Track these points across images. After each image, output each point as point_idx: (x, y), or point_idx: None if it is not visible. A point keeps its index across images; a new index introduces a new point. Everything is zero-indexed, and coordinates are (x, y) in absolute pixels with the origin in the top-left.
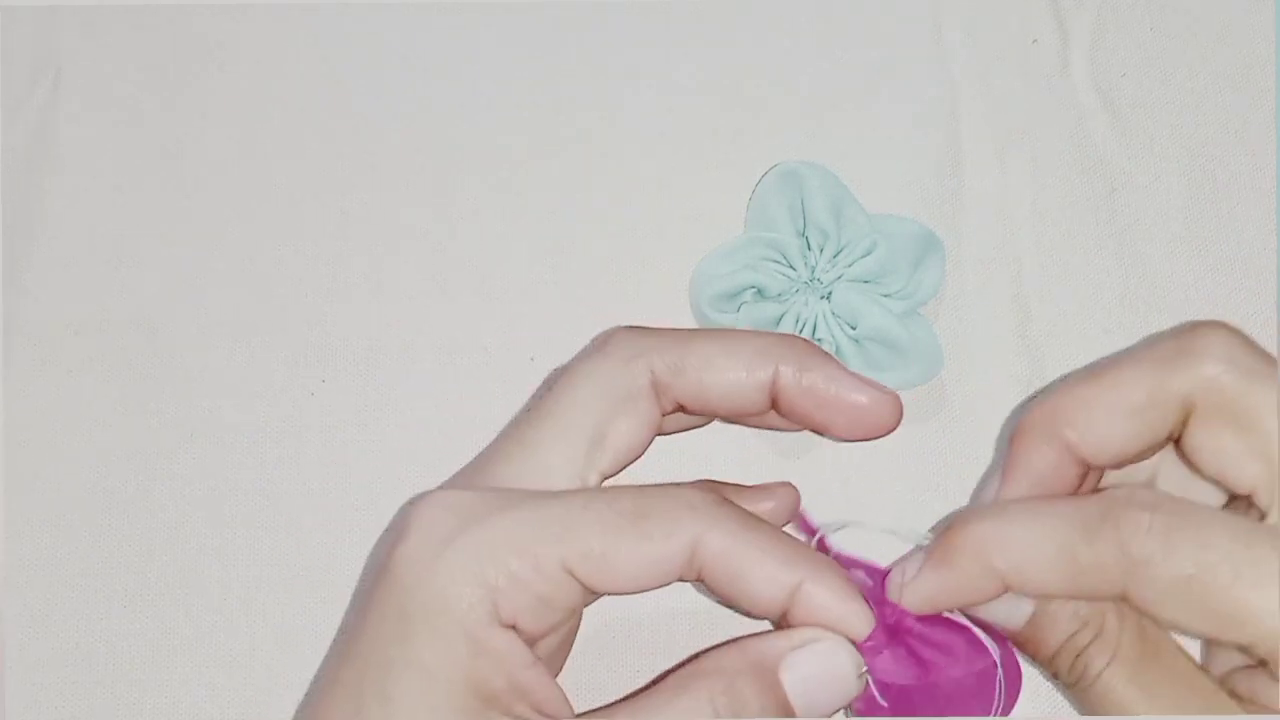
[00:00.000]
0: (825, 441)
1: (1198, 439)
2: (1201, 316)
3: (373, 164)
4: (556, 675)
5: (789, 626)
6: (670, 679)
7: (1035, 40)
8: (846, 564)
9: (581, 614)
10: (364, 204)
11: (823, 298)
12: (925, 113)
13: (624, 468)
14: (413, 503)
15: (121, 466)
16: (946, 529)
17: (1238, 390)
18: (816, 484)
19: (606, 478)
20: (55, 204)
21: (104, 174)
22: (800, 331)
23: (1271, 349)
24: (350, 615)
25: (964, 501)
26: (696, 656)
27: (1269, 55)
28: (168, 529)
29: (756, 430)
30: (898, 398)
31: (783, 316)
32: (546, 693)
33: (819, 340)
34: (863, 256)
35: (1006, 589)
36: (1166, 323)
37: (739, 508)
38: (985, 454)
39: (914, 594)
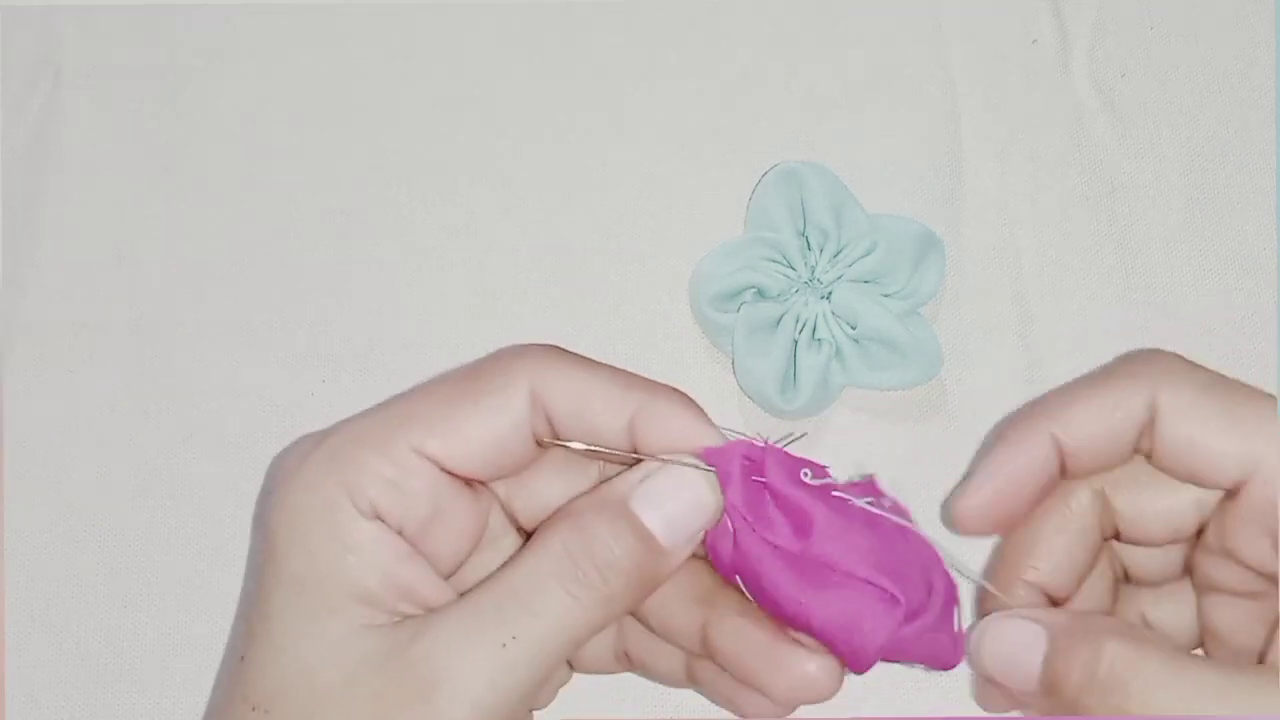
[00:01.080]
0: (823, 441)
1: (1168, 437)
2: (1201, 316)
3: (372, 164)
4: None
5: (637, 442)
6: (533, 539)
7: (1035, 40)
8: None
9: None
10: (364, 204)
11: (823, 298)
12: (925, 113)
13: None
14: (278, 456)
15: (121, 466)
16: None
17: (1201, 387)
18: None
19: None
20: (55, 204)
21: (104, 174)
22: (800, 331)
23: (1272, 349)
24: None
25: None
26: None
27: (1269, 55)
28: (168, 529)
29: (756, 429)
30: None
31: (783, 316)
32: (430, 587)
33: (819, 340)
34: (863, 256)
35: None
36: (1167, 322)
37: (576, 354)
38: None
39: (983, 476)
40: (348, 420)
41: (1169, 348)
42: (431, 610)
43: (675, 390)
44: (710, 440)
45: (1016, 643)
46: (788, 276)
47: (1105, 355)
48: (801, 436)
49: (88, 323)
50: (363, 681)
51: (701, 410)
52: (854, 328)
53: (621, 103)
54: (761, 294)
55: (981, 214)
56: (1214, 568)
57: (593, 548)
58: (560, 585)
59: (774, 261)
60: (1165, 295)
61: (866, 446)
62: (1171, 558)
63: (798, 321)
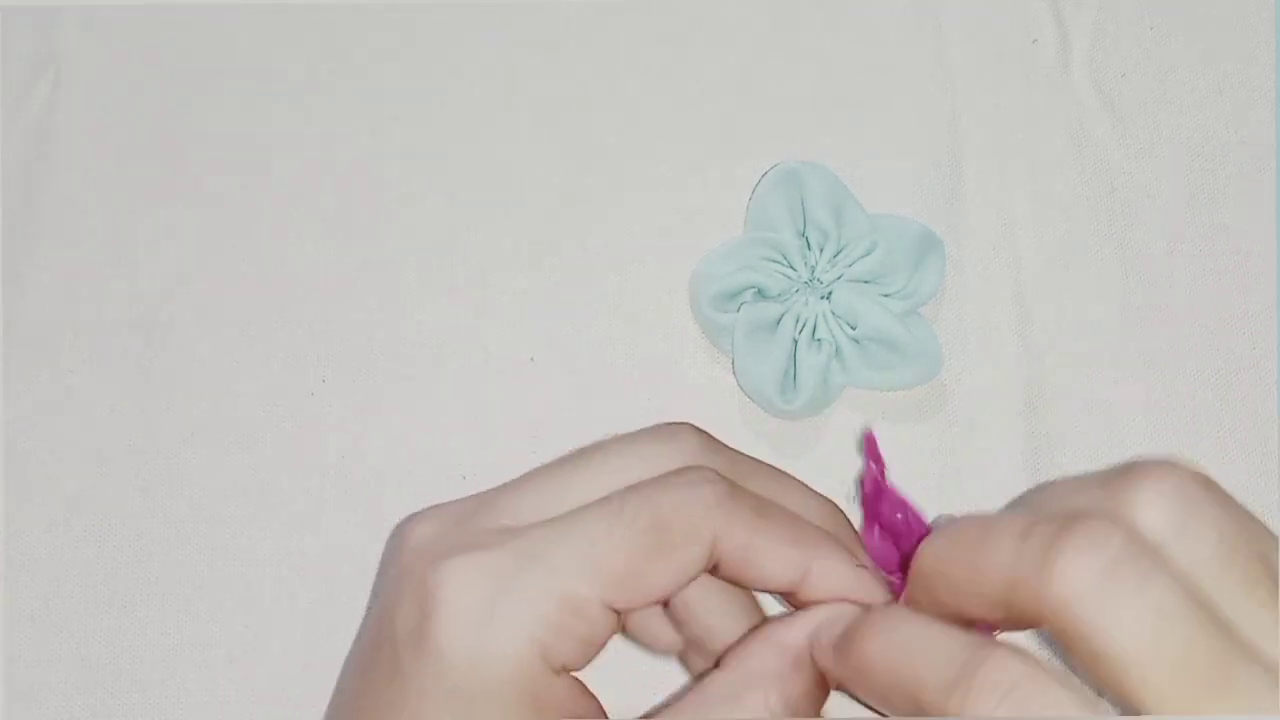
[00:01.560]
0: (825, 440)
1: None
2: (1201, 316)
3: (373, 164)
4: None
5: (800, 602)
6: (715, 686)
7: (1035, 40)
8: (897, 505)
9: None
10: (364, 204)
11: (823, 298)
12: (925, 113)
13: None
14: (435, 568)
15: (121, 466)
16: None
17: (1086, 623)
18: (816, 483)
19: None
20: (55, 204)
21: (104, 174)
22: (800, 331)
23: (1272, 349)
24: (362, 681)
25: (963, 501)
26: (726, 656)
27: (1269, 55)
28: (168, 529)
29: (755, 429)
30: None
31: (783, 316)
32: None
33: (819, 340)
34: (863, 256)
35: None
36: (1167, 322)
37: (747, 493)
38: (985, 454)
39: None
40: (521, 549)
41: (1169, 348)
42: None
43: (839, 546)
44: (877, 596)
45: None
46: (788, 276)
47: (1105, 355)
48: None
49: (88, 323)
50: None
51: (864, 565)
52: (854, 328)
53: (621, 103)
54: (761, 294)
55: (981, 214)
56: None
57: (796, 709)
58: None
59: (774, 261)
60: (1165, 295)
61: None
62: None
63: (798, 321)
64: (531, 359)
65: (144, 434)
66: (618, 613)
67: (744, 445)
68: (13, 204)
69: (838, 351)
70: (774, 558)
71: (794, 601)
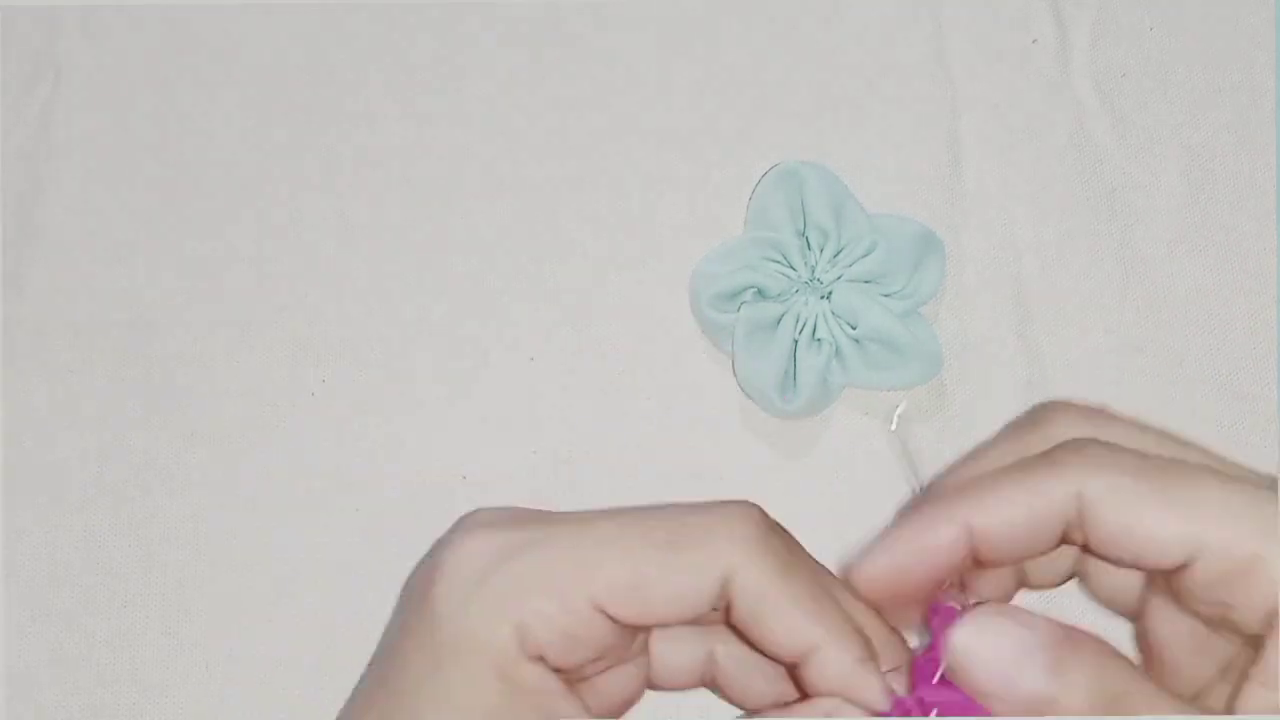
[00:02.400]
0: (825, 441)
1: (1102, 527)
2: (1201, 316)
3: (372, 164)
4: (625, 710)
5: (799, 679)
6: None
7: (1035, 40)
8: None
9: (647, 646)
10: (363, 204)
11: (823, 298)
12: (925, 113)
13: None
14: (454, 530)
15: (121, 466)
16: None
17: (1130, 472)
18: (816, 483)
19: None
20: (55, 204)
21: (104, 174)
22: (800, 331)
23: (1272, 349)
24: (389, 636)
25: None
26: None
27: (1269, 55)
28: (168, 529)
29: (755, 429)
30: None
31: (783, 316)
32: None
33: (819, 340)
34: (863, 256)
35: (973, 550)
36: (1167, 322)
37: (787, 539)
38: None
39: (883, 553)
40: (532, 534)
41: (1169, 347)
42: None
43: (853, 637)
44: (876, 702)
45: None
46: (788, 276)
47: (1105, 355)
48: None
49: (88, 323)
50: None
51: (874, 665)
52: (854, 328)
53: (621, 102)
54: (761, 294)
55: (981, 214)
56: (1160, 612)
57: None
58: None
59: (774, 261)
60: (1165, 295)
61: (866, 446)
62: (1061, 565)
63: (798, 321)
64: (531, 359)
65: (144, 434)
66: (616, 622)
67: (744, 445)
68: (13, 204)
69: (838, 351)
70: (784, 621)
71: (796, 679)
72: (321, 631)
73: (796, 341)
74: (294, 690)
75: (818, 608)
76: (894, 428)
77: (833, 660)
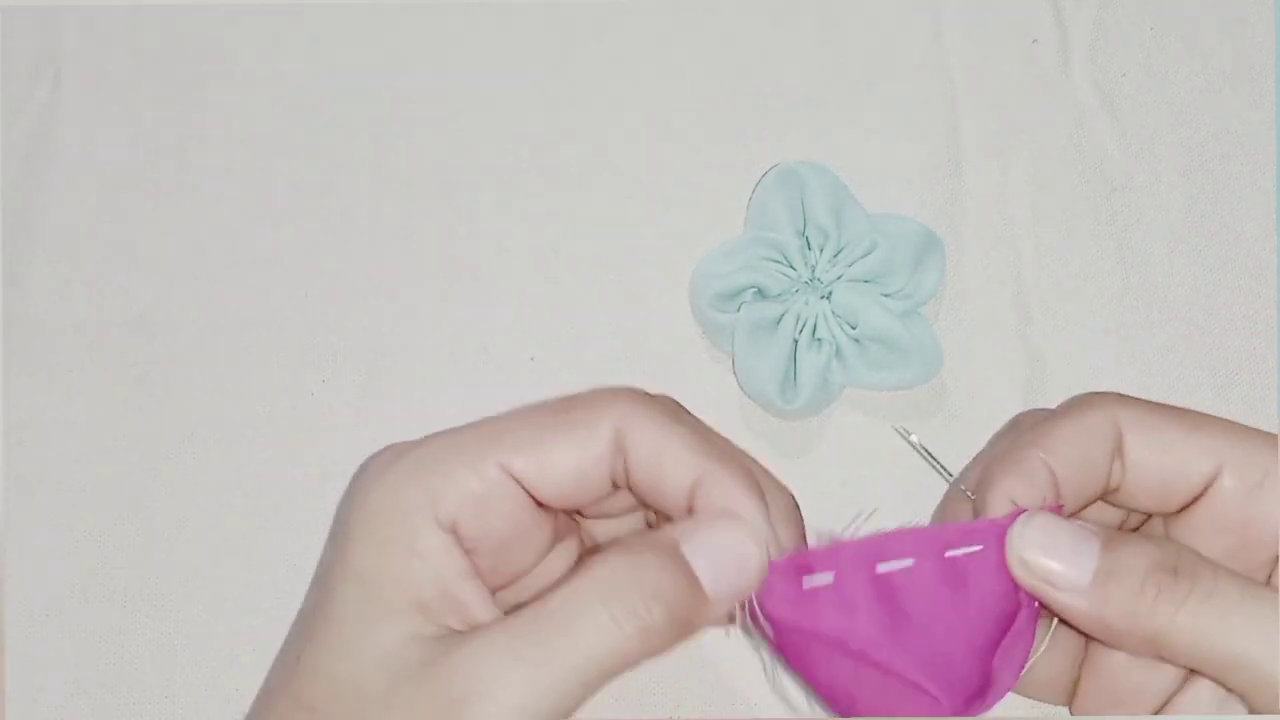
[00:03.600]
0: (825, 440)
1: (1136, 447)
2: (1201, 316)
3: (373, 164)
4: None
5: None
6: (579, 566)
7: (1035, 40)
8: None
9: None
10: (364, 204)
11: (823, 297)
12: (925, 113)
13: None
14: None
15: (121, 466)
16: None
17: (1155, 407)
18: (816, 483)
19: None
20: (55, 204)
21: (104, 174)
22: (800, 331)
23: (1272, 349)
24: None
25: None
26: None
27: (1269, 55)
28: (168, 529)
29: (755, 429)
30: None
31: (783, 316)
32: (480, 608)
33: (819, 340)
34: (863, 256)
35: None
36: (1167, 323)
37: (670, 401)
38: None
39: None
40: (439, 433)
41: (1169, 348)
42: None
43: (743, 463)
44: (759, 518)
45: (1070, 548)
46: (788, 276)
47: (1105, 355)
48: (872, 513)
49: (88, 323)
50: (400, 692)
51: (760, 490)
52: (854, 328)
53: (621, 102)
54: (761, 294)
55: (981, 214)
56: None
57: (640, 576)
58: (604, 609)
59: (774, 261)
60: (1165, 295)
61: (866, 446)
62: (1103, 516)
63: (798, 321)
64: (531, 359)
65: (144, 434)
66: (524, 490)
67: (744, 445)
68: (13, 204)
69: (838, 351)
70: (677, 456)
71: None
72: None
73: (797, 341)
74: None
75: (708, 445)
76: (913, 436)
77: (722, 481)
